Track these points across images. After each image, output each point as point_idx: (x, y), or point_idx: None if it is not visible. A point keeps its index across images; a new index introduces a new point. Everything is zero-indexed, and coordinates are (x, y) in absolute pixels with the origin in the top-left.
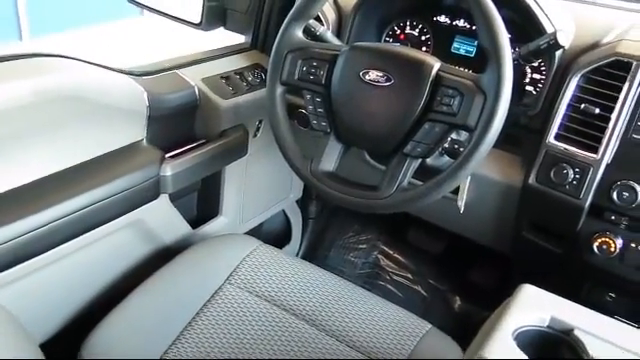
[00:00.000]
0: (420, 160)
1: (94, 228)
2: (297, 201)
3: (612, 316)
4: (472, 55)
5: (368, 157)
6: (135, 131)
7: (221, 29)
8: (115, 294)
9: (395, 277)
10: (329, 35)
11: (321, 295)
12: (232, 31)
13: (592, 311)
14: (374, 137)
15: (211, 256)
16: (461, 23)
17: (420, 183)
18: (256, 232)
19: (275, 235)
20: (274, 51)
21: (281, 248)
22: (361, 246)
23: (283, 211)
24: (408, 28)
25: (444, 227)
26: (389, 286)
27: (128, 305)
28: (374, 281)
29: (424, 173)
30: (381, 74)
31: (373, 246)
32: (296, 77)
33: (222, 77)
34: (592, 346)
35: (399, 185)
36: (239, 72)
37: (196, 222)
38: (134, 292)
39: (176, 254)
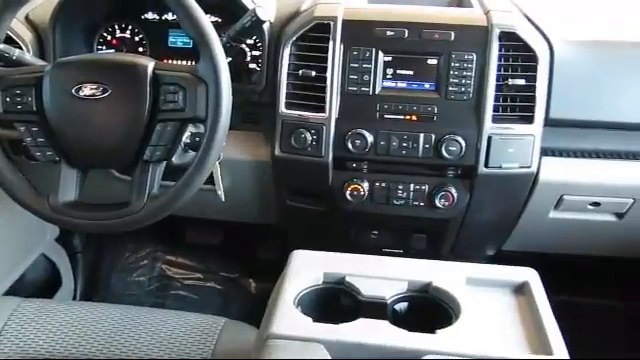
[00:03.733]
0: (164, 163)
1: None
2: (57, 239)
3: (381, 251)
4: (190, 46)
5: (115, 172)
6: None
7: None
8: None
9: (186, 281)
10: (28, 57)
11: (105, 331)
12: None
13: (358, 255)
14: (109, 153)
15: None
16: (171, 16)
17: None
18: (17, 289)
19: (42, 284)
20: None
21: (52, 296)
22: (142, 263)
23: (43, 255)
24: (118, 32)
25: (216, 218)
26: (182, 292)
27: None
28: (166, 293)
29: (176, 173)
30: (96, 86)
31: (155, 259)
32: (0, 111)
33: None
34: (364, 286)
35: (149, 194)
36: None
37: None
38: None
39: None
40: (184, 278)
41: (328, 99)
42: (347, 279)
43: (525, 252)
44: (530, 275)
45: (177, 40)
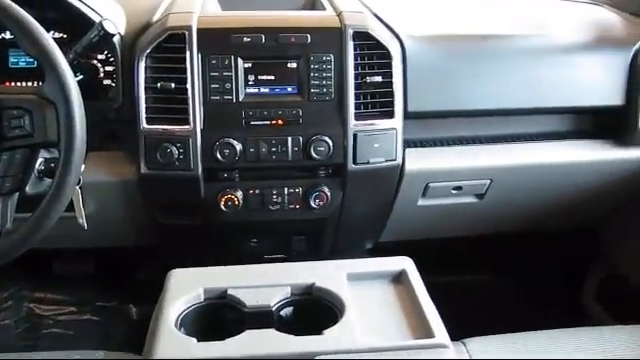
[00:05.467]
0: (17, 194)
1: None
2: None
3: (263, 258)
4: (36, 65)
5: None
6: None
7: None
8: None
9: (59, 317)
10: None
11: None
12: None
13: (239, 266)
14: None
15: None
16: (8, 35)
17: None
18: None
19: None
20: None
21: None
22: (6, 305)
23: None
24: None
25: (86, 246)
26: (56, 330)
27: None
28: (37, 334)
29: (31, 204)
30: None
31: (20, 298)
32: None
33: None
34: (247, 296)
35: (3, 229)
36: None
37: None
38: None
39: None
40: (56, 314)
41: (191, 110)
42: (229, 292)
43: (401, 241)
44: (406, 263)
45: (19, 60)
